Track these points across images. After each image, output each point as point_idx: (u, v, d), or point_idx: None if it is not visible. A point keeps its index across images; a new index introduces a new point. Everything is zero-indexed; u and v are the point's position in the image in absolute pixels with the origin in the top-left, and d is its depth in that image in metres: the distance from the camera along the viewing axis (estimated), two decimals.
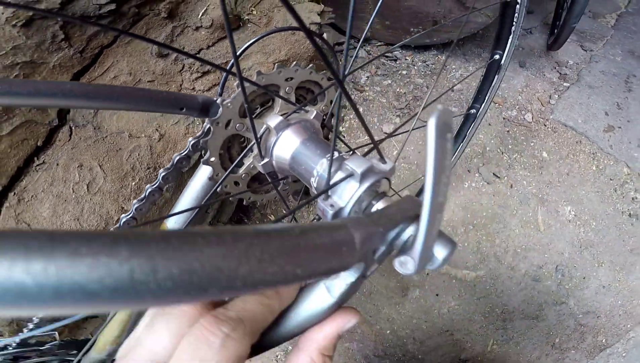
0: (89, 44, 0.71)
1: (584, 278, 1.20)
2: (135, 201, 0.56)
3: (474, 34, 1.53)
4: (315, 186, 0.42)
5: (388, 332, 1.13)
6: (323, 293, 0.32)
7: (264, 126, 0.50)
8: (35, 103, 0.39)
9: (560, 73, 1.62)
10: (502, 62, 0.90)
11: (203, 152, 0.52)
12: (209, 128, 0.49)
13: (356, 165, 0.37)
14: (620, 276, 1.21)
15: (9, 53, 0.62)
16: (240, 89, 0.42)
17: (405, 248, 0.30)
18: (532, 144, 1.41)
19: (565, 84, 1.59)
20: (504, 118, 1.47)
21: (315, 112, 0.52)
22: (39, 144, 0.68)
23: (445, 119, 0.24)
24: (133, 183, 0.74)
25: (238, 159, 0.54)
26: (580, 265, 1.22)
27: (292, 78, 0.52)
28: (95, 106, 0.43)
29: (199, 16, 0.82)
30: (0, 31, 0.61)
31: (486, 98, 0.97)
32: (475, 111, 1.00)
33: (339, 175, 0.39)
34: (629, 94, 1.59)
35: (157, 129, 0.78)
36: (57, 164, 0.69)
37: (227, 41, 0.72)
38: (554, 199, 1.31)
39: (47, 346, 0.67)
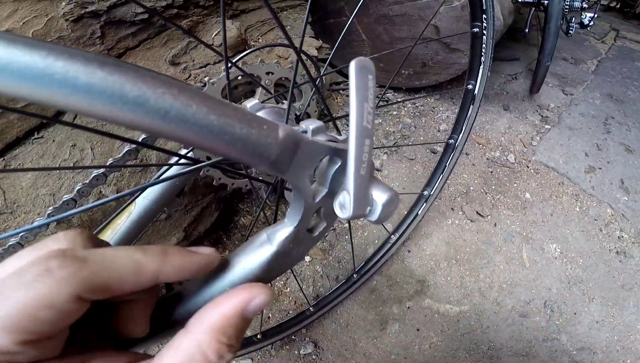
0: (118, 44, 0.83)
1: (575, 313, 1.17)
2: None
3: (460, 76, 1.61)
4: None
5: None
6: (263, 241, 0.32)
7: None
8: None
9: (542, 116, 1.69)
10: (476, 92, 0.95)
11: None
12: None
13: (309, 123, 0.40)
14: (613, 311, 1.18)
15: (53, 41, 0.70)
16: (225, 72, 0.46)
17: (339, 182, 0.32)
18: (515, 185, 1.44)
19: (546, 126, 1.65)
20: (487, 159, 1.52)
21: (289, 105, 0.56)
22: (43, 121, 0.73)
23: (364, 64, 0.27)
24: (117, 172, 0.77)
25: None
26: (570, 300, 1.19)
27: (272, 73, 0.57)
28: None
29: (212, 36, 0.96)
30: (55, 23, 0.73)
31: (463, 128, 1.01)
32: (453, 141, 1.04)
33: None
34: (608, 136, 1.64)
35: None
36: (53, 141, 0.74)
37: (233, 58, 0.80)
38: (538, 238, 1.31)
39: None
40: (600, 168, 1.51)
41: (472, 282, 1.20)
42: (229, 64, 0.43)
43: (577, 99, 1.85)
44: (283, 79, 0.59)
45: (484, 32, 0.89)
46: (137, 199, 0.58)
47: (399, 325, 1.15)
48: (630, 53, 2.40)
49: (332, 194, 0.32)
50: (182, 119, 0.21)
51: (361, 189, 0.29)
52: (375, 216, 0.30)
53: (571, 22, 1.72)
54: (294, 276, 1.19)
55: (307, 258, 1.29)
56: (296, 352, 1.10)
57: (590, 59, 2.21)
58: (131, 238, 0.60)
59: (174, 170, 0.56)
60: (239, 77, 0.56)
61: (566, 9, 1.67)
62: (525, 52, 2.07)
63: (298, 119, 0.57)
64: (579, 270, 1.26)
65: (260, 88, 0.57)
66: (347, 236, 1.33)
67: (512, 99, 1.78)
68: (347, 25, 0.63)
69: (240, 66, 0.54)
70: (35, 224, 0.39)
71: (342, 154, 0.32)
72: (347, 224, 1.35)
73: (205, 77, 0.93)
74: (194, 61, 0.95)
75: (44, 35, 0.73)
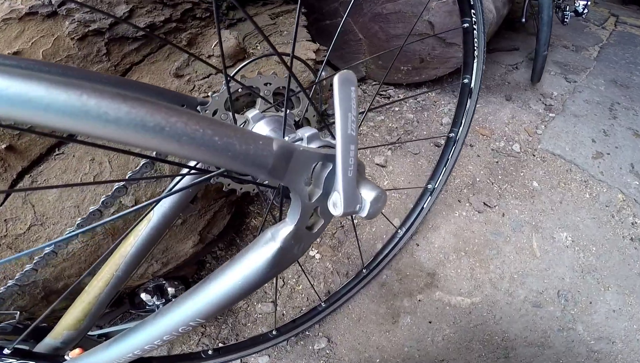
0: (123, 60, 0.86)
1: (591, 302, 1.16)
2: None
3: (459, 69, 1.63)
4: None
5: (377, 360, 1.09)
6: (268, 239, 0.37)
7: (244, 119, 0.58)
8: None
9: (545, 104, 1.70)
10: (472, 86, 0.98)
11: None
12: None
13: (304, 131, 0.44)
14: (631, 299, 1.17)
15: (62, 60, 0.77)
16: (225, 86, 0.51)
17: (332, 184, 0.36)
18: (521, 174, 1.46)
19: (550, 114, 1.65)
20: (492, 149, 1.53)
21: (288, 112, 0.60)
22: (64, 136, 0.77)
23: (347, 77, 0.31)
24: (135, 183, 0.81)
25: None
26: (584, 289, 1.19)
27: (270, 83, 0.61)
28: None
29: (212, 47, 0.99)
30: (62, 42, 0.77)
31: (462, 121, 1.03)
32: (454, 134, 1.06)
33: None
34: (615, 121, 1.64)
35: None
36: (74, 156, 0.78)
37: (233, 68, 0.83)
38: (548, 226, 1.31)
39: (1, 324, 0.68)
40: (608, 153, 1.51)
41: (483, 273, 1.22)
42: (229, 78, 0.48)
43: (581, 86, 1.84)
44: (281, 88, 0.63)
45: (474, 26, 0.91)
46: (154, 208, 0.63)
47: (410, 318, 1.16)
48: (632, 38, 2.38)
49: (326, 194, 0.36)
50: (192, 142, 0.25)
51: (349, 189, 0.33)
52: (365, 212, 0.34)
53: (565, 11, 1.72)
54: (305, 273, 1.22)
55: (318, 256, 1.32)
56: (310, 347, 1.13)
57: (591, 45, 2.20)
58: (152, 242, 0.64)
59: (186, 180, 0.60)
60: (239, 90, 0.60)
61: None
62: (524, 42, 2.07)
63: (297, 125, 0.62)
64: (592, 258, 1.25)
65: (260, 99, 0.61)
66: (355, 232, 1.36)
67: (514, 89, 1.79)
68: (340, 26, 0.67)
69: (239, 78, 0.58)
70: (66, 235, 0.46)
71: (332, 159, 0.36)
72: (355, 220, 1.39)
73: (208, 87, 0.97)
74: (196, 72, 0.97)
75: (53, 55, 0.76)
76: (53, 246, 0.67)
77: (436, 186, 1.11)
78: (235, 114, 0.56)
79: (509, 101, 1.72)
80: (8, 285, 0.66)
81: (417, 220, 1.15)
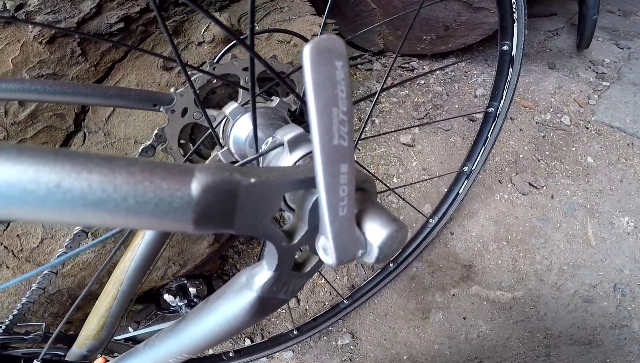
0: (103, 58, 0.80)
1: None
2: None
3: (492, 36, 1.46)
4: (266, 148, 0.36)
5: (405, 357, 1.02)
6: (242, 285, 0.27)
7: (222, 115, 0.47)
8: (48, 99, 0.47)
9: (597, 72, 1.50)
10: (513, 53, 0.82)
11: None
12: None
13: (285, 132, 0.32)
14: None
15: (35, 66, 0.72)
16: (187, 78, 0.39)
17: (317, 216, 0.24)
18: (573, 149, 1.28)
19: (604, 83, 1.46)
20: (537, 123, 1.36)
21: (277, 101, 0.49)
22: (56, 147, 0.77)
23: (326, 45, 0.18)
24: None
25: (194, 149, 0.50)
26: None
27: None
28: (82, 101, 0.50)
29: (202, 32, 0.90)
30: (30, 47, 0.71)
31: (504, 95, 0.88)
32: (493, 109, 0.91)
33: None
34: None
35: None
36: None
37: (229, 54, 0.74)
38: (606, 210, 1.16)
39: (31, 335, 0.68)
40: None
41: (527, 265, 1.08)
42: (187, 69, 0.37)
43: (637, 53, 1.63)
44: (266, 72, 0.51)
45: None
46: None
47: (442, 313, 1.08)
48: None
49: (314, 229, 0.25)
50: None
51: (342, 233, 0.22)
52: (372, 258, 0.24)
53: None
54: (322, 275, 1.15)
55: None
56: (334, 343, 1.08)
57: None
58: (153, 253, 0.59)
59: None
60: (214, 81, 0.49)
61: None
62: (562, 7, 1.87)
63: (294, 116, 0.50)
64: None
65: (241, 89, 0.50)
66: None
67: (558, 57, 1.60)
68: None
69: (215, 66, 0.47)
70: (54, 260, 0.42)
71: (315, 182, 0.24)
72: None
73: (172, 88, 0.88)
74: (187, 62, 0.90)
75: (23, 62, 0.71)
76: (49, 268, 0.65)
77: (473, 168, 0.97)
78: (214, 110, 0.44)
79: (552, 69, 1.53)
80: (22, 302, 0.66)
81: (451, 208, 1.02)
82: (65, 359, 0.65)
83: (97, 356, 0.69)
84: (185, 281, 0.98)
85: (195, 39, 0.87)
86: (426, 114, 1.42)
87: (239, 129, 0.46)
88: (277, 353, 1.09)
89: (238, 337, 1.11)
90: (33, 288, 0.65)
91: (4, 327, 0.66)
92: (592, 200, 1.17)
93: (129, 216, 0.17)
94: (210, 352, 1.08)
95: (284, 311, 1.15)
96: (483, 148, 0.94)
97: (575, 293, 1.03)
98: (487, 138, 0.93)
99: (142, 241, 0.58)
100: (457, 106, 1.44)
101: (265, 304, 0.27)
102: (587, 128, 1.33)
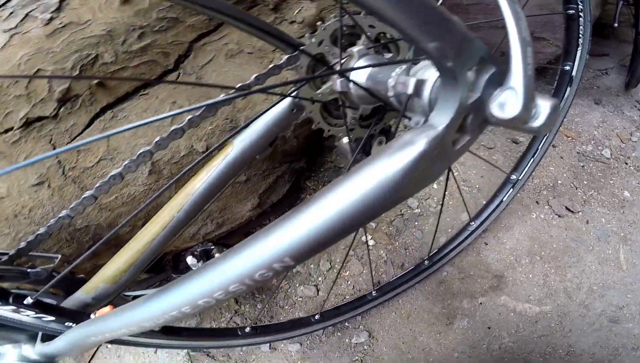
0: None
1: None
2: None
3: (544, 65, 1.55)
4: (393, 83, 0.45)
5: None
6: (406, 142, 0.30)
7: (348, 54, 0.57)
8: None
9: None
10: (573, 73, 0.93)
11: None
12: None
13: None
14: None
15: (165, 9, 0.83)
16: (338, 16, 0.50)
17: (492, 90, 0.32)
18: (611, 182, 1.36)
19: None
20: (577, 153, 1.44)
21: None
22: (152, 78, 0.85)
23: None
24: (209, 127, 0.86)
25: (321, 72, 0.59)
26: None
27: (374, 27, 0.59)
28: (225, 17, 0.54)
29: (295, 13, 1.03)
30: None
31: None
32: None
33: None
34: None
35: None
36: (157, 98, 0.84)
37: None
38: (639, 240, 1.23)
39: (37, 270, 0.63)
40: None
41: (557, 281, 1.15)
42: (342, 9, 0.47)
43: None
44: (381, 35, 0.61)
45: (580, 14, 0.90)
46: (234, 141, 0.62)
47: (468, 321, 1.12)
48: None
49: (482, 102, 0.33)
50: None
51: (530, 87, 0.30)
52: (539, 122, 0.30)
53: None
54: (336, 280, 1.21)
55: (372, 242, 1.30)
56: (347, 340, 1.11)
57: None
58: (225, 180, 0.62)
59: (276, 110, 0.60)
60: (344, 27, 0.59)
61: None
62: (616, 48, 1.96)
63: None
64: None
65: (363, 37, 0.60)
66: (416, 223, 1.32)
67: (605, 94, 1.68)
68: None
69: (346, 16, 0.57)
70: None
71: (496, 61, 0.33)
72: (417, 210, 1.35)
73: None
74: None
75: None
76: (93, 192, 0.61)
77: (520, 177, 1.05)
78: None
79: (598, 105, 1.61)
80: (60, 215, 0.61)
81: (492, 214, 1.10)
82: (61, 305, 0.62)
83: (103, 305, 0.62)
84: (212, 247, 1.00)
85: (289, 17, 1.00)
86: None
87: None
88: (283, 345, 1.11)
89: (245, 321, 1.15)
90: (62, 214, 0.61)
91: (13, 253, 0.62)
92: (626, 229, 1.23)
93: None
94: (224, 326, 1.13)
95: (300, 299, 1.20)
96: (532, 159, 1.03)
97: (602, 313, 1.09)
98: (537, 150, 1.01)
99: (224, 161, 0.61)
100: (501, 128, 1.53)
101: (425, 166, 0.30)
102: (626, 163, 1.40)
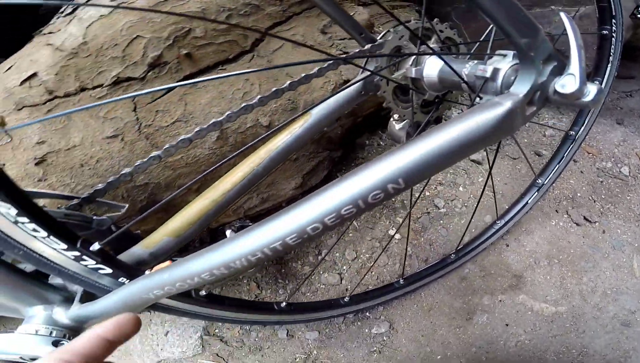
0: (289, 8, 1.07)
1: None
2: None
3: None
4: (467, 72, 0.57)
5: (439, 357, 1.12)
6: (494, 103, 0.42)
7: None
8: None
9: None
10: (602, 86, 1.03)
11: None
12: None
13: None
14: None
15: None
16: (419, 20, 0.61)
17: (552, 79, 0.45)
18: (628, 197, 1.46)
19: None
20: (597, 168, 1.54)
21: None
22: (229, 57, 0.97)
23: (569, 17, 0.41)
24: (274, 106, 0.97)
25: (400, 56, 0.70)
26: None
27: (442, 31, 0.71)
28: None
29: (352, 14, 1.14)
30: None
31: (586, 121, 1.09)
32: (573, 133, 1.11)
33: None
34: None
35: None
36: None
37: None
38: None
39: (101, 218, 0.62)
40: None
41: (574, 284, 1.24)
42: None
43: None
44: (447, 39, 0.73)
45: (613, 34, 1.01)
46: (313, 110, 0.72)
47: (487, 317, 1.19)
48: None
49: (545, 85, 0.45)
50: None
51: (583, 74, 0.42)
52: (589, 98, 0.43)
53: None
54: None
55: (398, 236, 1.38)
56: (367, 330, 1.16)
57: None
58: (299, 144, 0.71)
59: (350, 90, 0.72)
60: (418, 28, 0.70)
61: None
62: None
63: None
64: None
65: (434, 37, 0.71)
66: (441, 221, 1.42)
67: (627, 115, 1.79)
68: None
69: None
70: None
71: (557, 58, 0.45)
72: (442, 210, 1.45)
73: (343, 47, 1.11)
74: (336, 33, 1.16)
75: None
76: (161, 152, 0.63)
77: (545, 182, 1.15)
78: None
79: (620, 124, 1.72)
80: (125, 171, 0.62)
81: (517, 215, 1.20)
82: (117, 257, 0.59)
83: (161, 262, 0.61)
84: (249, 223, 1.06)
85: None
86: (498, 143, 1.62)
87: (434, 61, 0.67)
88: (301, 332, 1.15)
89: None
90: (126, 171, 0.62)
91: (85, 196, 0.61)
92: None
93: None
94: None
95: (323, 286, 1.26)
96: (557, 165, 1.13)
97: (615, 316, 1.18)
98: (563, 156, 1.12)
99: (302, 126, 0.69)
100: (525, 141, 1.64)
101: (510, 118, 0.42)
102: None
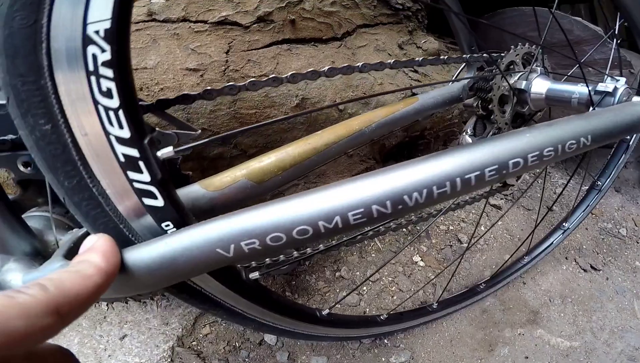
0: (378, 16, 1.25)
1: None
2: None
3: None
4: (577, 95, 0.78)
5: None
6: (634, 103, 0.68)
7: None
8: None
9: None
10: (630, 143, 1.27)
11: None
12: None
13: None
14: None
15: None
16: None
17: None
18: (625, 253, 1.69)
19: None
20: (599, 227, 1.79)
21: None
22: (323, 37, 1.07)
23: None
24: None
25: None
26: None
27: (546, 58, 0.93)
28: None
29: (422, 42, 1.37)
30: None
31: (612, 174, 1.29)
32: (600, 183, 1.33)
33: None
34: None
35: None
36: (323, 53, 1.10)
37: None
38: None
39: (168, 132, 0.47)
40: None
41: (585, 322, 1.41)
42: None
43: None
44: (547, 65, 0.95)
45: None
46: (420, 96, 0.81)
47: (508, 349, 1.29)
48: None
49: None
50: None
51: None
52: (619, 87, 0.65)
53: None
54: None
55: (422, 263, 1.53)
56: (384, 358, 1.19)
57: None
58: (404, 120, 0.78)
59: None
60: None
61: None
62: (637, 149, 2.39)
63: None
64: None
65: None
66: (465, 256, 1.59)
67: (623, 184, 2.05)
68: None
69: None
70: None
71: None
72: (465, 244, 1.63)
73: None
74: (410, 52, 1.35)
75: None
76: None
77: (570, 226, 1.36)
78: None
79: (618, 192, 2.00)
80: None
81: (543, 253, 1.38)
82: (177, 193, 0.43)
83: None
84: None
85: (417, 43, 1.33)
86: (511, 193, 1.86)
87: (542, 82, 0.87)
88: (305, 357, 1.11)
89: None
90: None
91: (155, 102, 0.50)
92: (638, 288, 1.53)
93: None
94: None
95: (339, 305, 1.31)
96: (582, 213, 1.34)
97: (622, 352, 1.35)
98: (588, 204, 1.34)
99: (406, 108, 0.74)
100: (538, 196, 1.89)
101: None
102: (638, 242, 1.75)
